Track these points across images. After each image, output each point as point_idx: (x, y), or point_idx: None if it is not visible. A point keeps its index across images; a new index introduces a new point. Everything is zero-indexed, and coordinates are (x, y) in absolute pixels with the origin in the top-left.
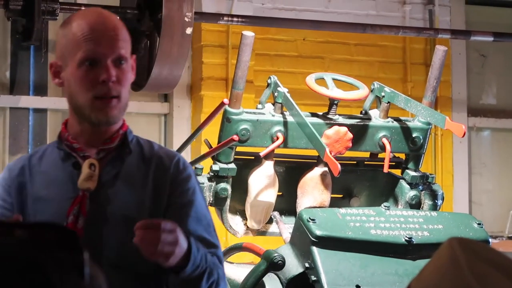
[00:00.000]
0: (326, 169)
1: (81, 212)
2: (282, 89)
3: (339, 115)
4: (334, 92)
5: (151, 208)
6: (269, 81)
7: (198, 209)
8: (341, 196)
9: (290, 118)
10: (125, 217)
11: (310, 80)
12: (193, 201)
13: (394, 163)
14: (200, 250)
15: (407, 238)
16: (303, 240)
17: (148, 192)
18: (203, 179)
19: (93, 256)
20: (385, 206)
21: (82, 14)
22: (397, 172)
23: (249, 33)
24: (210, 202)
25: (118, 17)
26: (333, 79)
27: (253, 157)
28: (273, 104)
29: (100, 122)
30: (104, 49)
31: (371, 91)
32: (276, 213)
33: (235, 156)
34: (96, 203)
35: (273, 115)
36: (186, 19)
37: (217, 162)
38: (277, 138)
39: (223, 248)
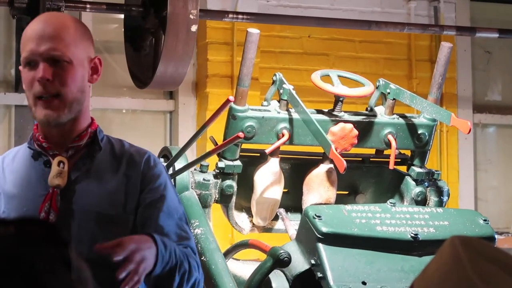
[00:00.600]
0: (331, 166)
1: (52, 209)
2: (288, 86)
3: (345, 112)
4: (340, 89)
5: (122, 203)
6: (274, 78)
7: (170, 204)
8: (346, 193)
9: (295, 115)
10: (96, 213)
11: (316, 77)
12: (164, 196)
13: (399, 160)
14: (167, 246)
15: (413, 235)
16: (309, 237)
17: (120, 188)
18: (208, 176)
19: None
20: (390, 203)
21: (35, 19)
22: (403, 168)
23: (254, 30)
24: (216, 199)
25: (71, 19)
26: (339, 76)
27: (258, 154)
28: (279, 101)
29: (43, 123)
30: (39, 49)
31: (377, 87)
32: (282, 210)
33: (240, 153)
34: (67, 199)
35: (278, 112)
36: (191, 17)
37: (222, 159)
38: (283, 135)
39: (228, 245)
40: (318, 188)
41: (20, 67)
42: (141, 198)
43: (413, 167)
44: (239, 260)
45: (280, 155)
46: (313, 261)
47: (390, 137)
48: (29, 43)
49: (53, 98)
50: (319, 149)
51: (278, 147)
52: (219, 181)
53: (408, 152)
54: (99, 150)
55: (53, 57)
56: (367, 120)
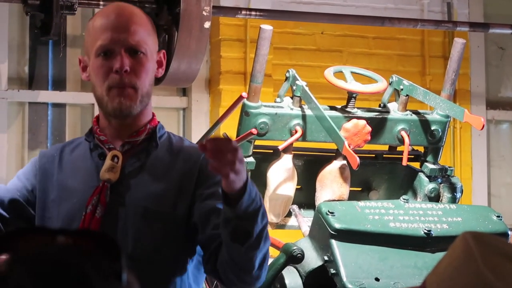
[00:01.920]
0: (345, 162)
1: (100, 202)
2: (301, 82)
3: (358, 108)
4: (353, 85)
5: (173, 200)
6: (287, 74)
7: None
8: (360, 189)
9: (308, 112)
10: (145, 208)
11: (329, 73)
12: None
13: (412, 156)
14: (253, 185)
15: (426, 231)
16: (322, 233)
17: (172, 185)
18: None
19: None
20: (404, 199)
21: (105, 8)
22: (416, 165)
23: (267, 27)
24: None
25: (141, 11)
26: (352, 73)
27: (271, 151)
28: (292, 98)
29: (115, 112)
30: (117, 39)
31: (390, 84)
32: (295, 207)
33: (253, 150)
34: (117, 194)
35: (291, 109)
36: (204, 13)
37: None
38: (296, 132)
39: None
40: (331, 185)
41: (84, 57)
42: (197, 195)
43: (426, 163)
44: None
45: (293, 152)
46: (326, 258)
47: (403, 133)
48: (106, 32)
49: (126, 88)
50: (332, 146)
51: (291, 144)
52: None
53: (421, 149)
54: (155, 147)
55: (133, 47)
56: (380, 116)
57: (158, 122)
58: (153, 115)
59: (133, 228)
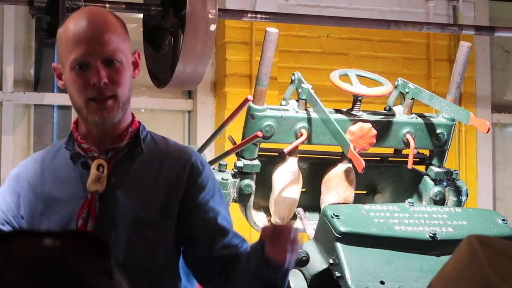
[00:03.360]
0: (350, 165)
1: (90, 216)
2: (306, 85)
3: (363, 111)
4: (358, 88)
5: (162, 206)
6: (293, 77)
7: (223, 206)
8: (365, 192)
9: (314, 115)
10: (134, 217)
11: (334, 76)
12: (218, 197)
13: (418, 159)
14: None
15: (431, 234)
16: (327, 236)
17: (160, 190)
18: (227, 175)
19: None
20: (409, 202)
21: (75, 15)
22: (421, 168)
23: (273, 30)
24: (235, 198)
25: (112, 15)
26: (357, 76)
27: (277, 154)
28: (297, 101)
29: (97, 124)
30: (92, 52)
31: (395, 87)
32: (300, 210)
33: (259, 153)
34: (106, 205)
35: (297, 112)
36: (210, 16)
37: (241, 159)
38: (301, 135)
39: None
40: (336, 188)
41: (58, 65)
42: (188, 199)
43: (431, 166)
44: None
45: (298, 155)
46: (331, 261)
47: (409, 136)
48: (79, 44)
49: (107, 99)
50: (338, 149)
51: (297, 147)
52: (237, 180)
53: (426, 152)
54: (140, 152)
55: (109, 58)
56: (386, 119)
57: (139, 123)
58: (133, 116)
59: (124, 238)
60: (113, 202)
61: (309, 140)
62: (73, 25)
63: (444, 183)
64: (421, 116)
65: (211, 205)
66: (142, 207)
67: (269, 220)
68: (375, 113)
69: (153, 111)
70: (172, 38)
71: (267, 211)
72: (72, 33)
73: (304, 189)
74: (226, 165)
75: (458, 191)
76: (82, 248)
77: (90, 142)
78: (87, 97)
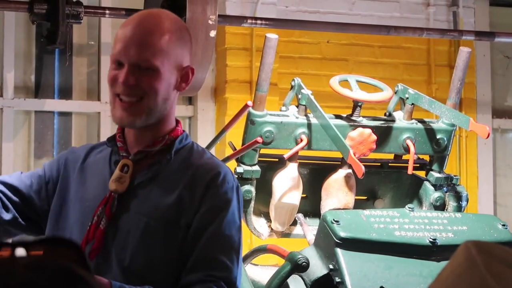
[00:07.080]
0: (350, 171)
1: (105, 214)
2: (306, 91)
3: (363, 117)
4: (358, 94)
5: (176, 218)
6: (293, 83)
7: (222, 229)
8: (365, 198)
9: (314, 120)
10: (147, 224)
11: (334, 82)
12: (221, 219)
13: (418, 165)
14: None
15: (431, 240)
16: (327, 242)
17: (177, 201)
18: None
19: (108, 258)
20: (409, 208)
21: (134, 15)
22: (422, 173)
23: (273, 36)
24: None
25: (171, 22)
26: (357, 81)
27: (277, 159)
28: (297, 106)
29: (116, 122)
30: (127, 53)
31: (395, 92)
32: (300, 215)
33: (259, 158)
34: (123, 206)
35: (297, 117)
36: (210, 22)
37: (241, 164)
38: (301, 140)
39: (247, 250)
40: (336, 193)
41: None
42: (196, 217)
43: (431, 172)
44: (257, 265)
45: (298, 160)
46: (331, 266)
47: (409, 142)
48: (120, 42)
49: (132, 102)
50: (338, 154)
51: (297, 152)
52: None
53: (426, 157)
54: (169, 159)
55: (139, 64)
56: (386, 125)
57: (183, 131)
58: (178, 124)
59: (132, 242)
60: (130, 205)
61: (309, 146)
62: (127, 23)
63: (445, 188)
64: (421, 121)
65: (210, 231)
66: (156, 215)
67: (270, 226)
68: (375, 118)
69: None
70: None
71: (267, 217)
72: (121, 30)
73: (304, 195)
74: None
75: (458, 197)
76: (63, 255)
77: (128, 142)
78: (115, 92)
